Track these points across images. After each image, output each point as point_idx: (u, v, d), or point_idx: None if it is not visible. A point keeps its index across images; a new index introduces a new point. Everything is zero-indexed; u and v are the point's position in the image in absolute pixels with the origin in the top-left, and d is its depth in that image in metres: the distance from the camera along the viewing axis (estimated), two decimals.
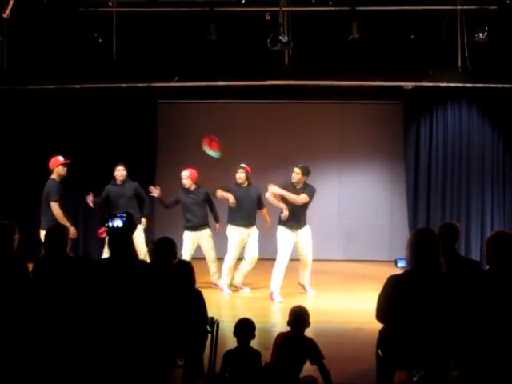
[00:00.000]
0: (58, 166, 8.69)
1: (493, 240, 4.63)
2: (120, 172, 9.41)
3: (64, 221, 8.23)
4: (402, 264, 4.81)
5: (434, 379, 4.50)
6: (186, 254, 9.12)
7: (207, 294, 5.34)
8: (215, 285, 9.49)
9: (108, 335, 4.54)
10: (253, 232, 9.33)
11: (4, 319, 4.83)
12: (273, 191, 8.75)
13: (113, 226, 4.62)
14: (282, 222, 8.83)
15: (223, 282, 9.34)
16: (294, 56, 9.68)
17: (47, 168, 8.82)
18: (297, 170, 8.84)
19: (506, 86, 10.05)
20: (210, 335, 5.17)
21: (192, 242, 9.42)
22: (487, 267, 4.68)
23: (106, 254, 8.71)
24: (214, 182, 10.47)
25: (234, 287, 9.45)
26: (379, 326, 4.65)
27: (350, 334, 7.13)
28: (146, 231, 9.68)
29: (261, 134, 12.28)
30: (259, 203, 9.37)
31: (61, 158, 8.75)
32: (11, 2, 8.16)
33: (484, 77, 9.94)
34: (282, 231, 8.85)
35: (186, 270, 5.17)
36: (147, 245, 9.32)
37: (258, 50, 9.23)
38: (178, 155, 11.88)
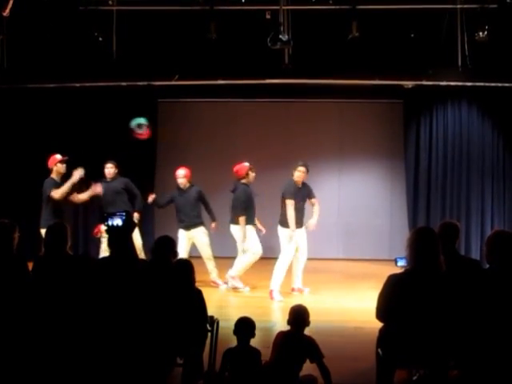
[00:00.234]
0: (56, 164, 8.71)
1: (493, 239, 4.63)
2: (108, 170, 9.50)
3: (67, 185, 8.52)
4: (401, 263, 4.81)
5: (433, 378, 4.50)
6: (181, 251, 9.12)
7: (207, 293, 5.34)
8: (214, 283, 9.49)
9: (108, 334, 4.54)
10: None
11: (4, 318, 4.83)
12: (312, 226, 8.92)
13: (112, 225, 4.62)
14: (283, 223, 8.83)
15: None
16: (294, 55, 9.68)
17: (47, 167, 8.83)
18: (302, 168, 8.86)
19: (506, 84, 10.05)
20: (209, 334, 5.17)
21: (188, 239, 9.49)
22: (487, 266, 4.68)
23: (103, 253, 8.73)
24: (213, 181, 10.51)
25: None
26: (379, 324, 4.65)
27: (349, 333, 7.13)
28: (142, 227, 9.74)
29: (260, 133, 12.28)
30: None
31: (58, 156, 8.77)
32: (11, 1, 8.17)
33: (484, 76, 9.93)
34: (284, 230, 8.84)
35: (186, 269, 5.17)
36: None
37: (258, 48, 9.23)
38: (178, 154, 11.87)
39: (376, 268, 10.63)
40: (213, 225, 9.66)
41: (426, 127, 11.33)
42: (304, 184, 8.99)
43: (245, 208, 9.14)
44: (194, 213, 9.52)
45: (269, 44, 8.85)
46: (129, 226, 4.70)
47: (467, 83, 10.24)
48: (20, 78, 10.03)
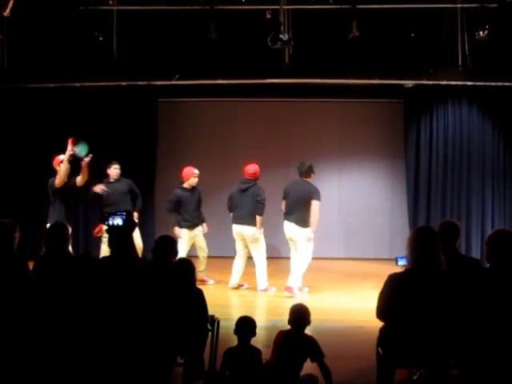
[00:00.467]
0: (59, 164, 8.66)
1: (493, 238, 4.63)
2: (116, 170, 9.57)
3: (65, 160, 8.52)
4: (402, 262, 4.81)
5: (434, 377, 4.50)
6: (181, 251, 9.15)
7: (208, 293, 5.34)
8: (202, 280, 9.40)
9: (109, 333, 4.54)
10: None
11: (4, 318, 4.83)
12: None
13: (113, 225, 4.62)
14: (303, 223, 8.86)
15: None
16: (295, 54, 9.67)
17: (48, 166, 8.83)
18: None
19: (507, 84, 10.05)
20: (210, 333, 5.17)
21: (190, 239, 9.48)
22: (487, 265, 4.68)
23: (103, 253, 8.73)
24: (213, 181, 10.50)
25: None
26: (380, 324, 4.65)
27: (350, 333, 7.13)
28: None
29: (261, 132, 12.27)
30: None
31: (62, 157, 8.72)
32: (12, 1, 8.17)
33: (484, 75, 9.94)
34: (304, 231, 8.87)
35: (187, 269, 5.17)
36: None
37: (258, 48, 9.23)
38: (179, 153, 11.88)
39: (376, 267, 10.64)
40: (204, 225, 9.73)
41: (427, 127, 11.33)
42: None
43: (264, 208, 9.15)
44: (198, 212, 9.57)
45: (269, 43, 8.85)
46: (129, 225, 4.71)
47: (467, 82, 10.24)
48: (20, 77, 10.04)
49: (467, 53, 9.66)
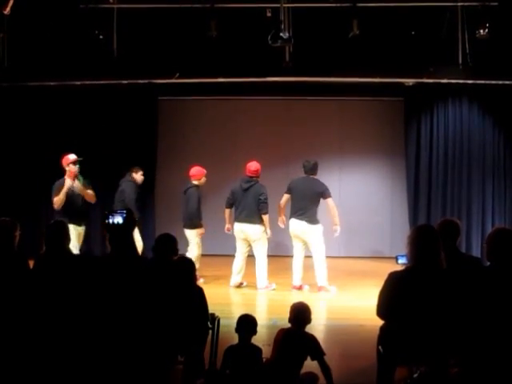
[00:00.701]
0: (68, 164, 8.55)
1: (493, 236, 4.62)
2: (142, 177, 9.75)
3: (62, 193, 8.30)
4: (402, 261, 4.81)
5: (434, 376, 4.50)
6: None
7: (208, 291, 5.34)
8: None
9: (109, 332, 4.55)
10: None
11: (5, 315, 4.84)
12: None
13: (113, 223, 4.62)
14: (315, 221, 8.99)
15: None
16: (295, 53, 9.67)
17: (47, 165, 8.82)
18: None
19: (507, 82, 10.04)
20: (210, 332, 5.17)
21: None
22: (488, 264, 4.68)
23: None
24: (213, 179, 10.49)
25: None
26: (380, 322, 4.65)
27: (350, 331, 7.12)
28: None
29: (261, 131, 12.27)
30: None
31: (71, 157, 8.60)
32: None
33: (485, 73, 9.93)
34: (316, 228, 8.99)
35: (187, 267, 5.18)
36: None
37: (258, 46, 9.23)
38: (179, 151, 11.89)
39: (377, 266, 10.65)
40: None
41: (427, 125, 11.32)
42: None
43: (268, 206, 9.19)
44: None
45: (269, 42, 8.85)
46: (129, 223, 4.70)
47: (468, 81, 10.24)
48: (21, 76, 10.03)
49: (468, 51, 9.65)
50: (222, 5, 9.45)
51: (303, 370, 4.81)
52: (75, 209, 8.44)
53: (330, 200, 9.05)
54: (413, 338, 4.36)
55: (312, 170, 9.15)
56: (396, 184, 12.15)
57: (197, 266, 9.24)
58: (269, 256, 9.34)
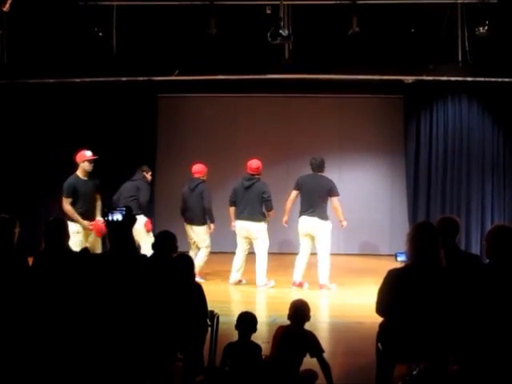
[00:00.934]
0: (83, 161, 8.46)
1: (493, 233, 4.63)
2: (151, 177, 9.75)
3: (74, 216, 8.20)
4: (402, 258, 4.81)
5: (433, 373, 4.50)
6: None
7: (207, 288, 5.34)
8: None
9: (108, 329, 4.54)
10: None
11: (4, 313, 4.84)
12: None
13: (112, 220, 4.62)
14: (325, 217, 9.11)
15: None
16: (295, 50, 9.66)
17: (47, 163, 8.79)
18: None
19: (507, 80, 10.03)
20: (210, 329, 5.18)
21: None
22: (487, 261, 4.68)
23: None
24: (213, 177, 10.48)
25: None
26: (379, 319, 4.65)
27: (350, 328, 7.13)
28: None
29: (261, 128, 12.27)
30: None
31: (88, 154, 8.52)
32: None
33: (484, 71, 9.91)
34: (326, 224, 9.12)
35: (186, 264, 5.18)
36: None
37: (258, 43, 9.21)
38: (179, 149, 11.89)
39: (376, 263, 10.65)
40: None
41: (427, 122, 11.32)
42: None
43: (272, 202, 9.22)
44: None
45: (269, 39, 8.83)
46: (129, 221, 4.70)
47: (467, 78, 10.22)
48: (20, 73, 10.01)
49: (467, 49, 9.63)
50: (222, 2, 9.44)
51: (302, 367, 4.81)
52: (87, 208, 8.42)
53: (335, 199, 9.16)
54: (412, 336, 4.36)
55: (319, 166, 9.21)
56: (395, 181, 12.15)
57: (200, 266, 9.41)
58: (272, 253, 9.36)
